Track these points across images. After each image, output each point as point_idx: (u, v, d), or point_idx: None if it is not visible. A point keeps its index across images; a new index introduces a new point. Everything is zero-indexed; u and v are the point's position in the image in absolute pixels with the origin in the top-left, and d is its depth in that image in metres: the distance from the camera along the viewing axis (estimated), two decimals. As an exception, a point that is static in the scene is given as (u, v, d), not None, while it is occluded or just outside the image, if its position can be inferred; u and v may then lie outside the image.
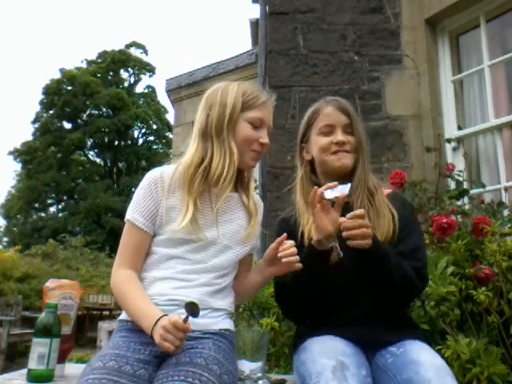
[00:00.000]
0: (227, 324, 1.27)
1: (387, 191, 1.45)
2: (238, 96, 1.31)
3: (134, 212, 1.27)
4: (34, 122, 23.13)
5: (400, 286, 1.24)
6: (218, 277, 1.27)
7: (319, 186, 1.25)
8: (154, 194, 1.26)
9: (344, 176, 1.36)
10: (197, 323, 1.17)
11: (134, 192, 1.34)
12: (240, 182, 1.39)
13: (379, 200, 1.36)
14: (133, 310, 1.18)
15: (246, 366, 1.26)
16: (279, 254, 1.24)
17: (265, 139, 1.32)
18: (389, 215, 1.32)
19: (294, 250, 1.23)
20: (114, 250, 12.90)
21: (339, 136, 1.37)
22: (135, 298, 1.19)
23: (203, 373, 1.02)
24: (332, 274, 1.25)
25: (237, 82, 1.39)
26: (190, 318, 1.08)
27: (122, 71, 24.66)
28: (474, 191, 2.73)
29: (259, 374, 1.26)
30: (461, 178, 2.56)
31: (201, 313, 1.18)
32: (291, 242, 1.23)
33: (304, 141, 1.48)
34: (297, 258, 1.22)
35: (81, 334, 8.03)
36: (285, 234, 1.25)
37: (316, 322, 1.29)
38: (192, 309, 1.09)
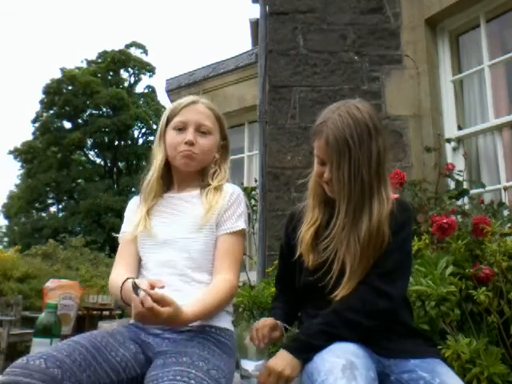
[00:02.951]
0: (212, 321, 1.27)
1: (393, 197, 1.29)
2: (166, 113, 1.47)
3: (122, 228, 1.45)
4: (34, 122, 23.12)
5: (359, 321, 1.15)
6: (190, 268, 1.30)
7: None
8: (134, 207, 1.47)
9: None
10: None
11: (133, 192, 1.43)
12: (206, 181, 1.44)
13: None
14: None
15: (249, 365, 1.29)
16: None
17: (188, 137, 1.38)
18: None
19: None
20: (113, 249, 12.90)
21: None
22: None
23: (190, 370, 1.05)
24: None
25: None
26: None
27: (122, 71, 24.61)
28: (473, 191, 2.73)
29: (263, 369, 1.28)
30: (461, 178, 2.55)
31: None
32: None
33: None
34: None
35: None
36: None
37: None
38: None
